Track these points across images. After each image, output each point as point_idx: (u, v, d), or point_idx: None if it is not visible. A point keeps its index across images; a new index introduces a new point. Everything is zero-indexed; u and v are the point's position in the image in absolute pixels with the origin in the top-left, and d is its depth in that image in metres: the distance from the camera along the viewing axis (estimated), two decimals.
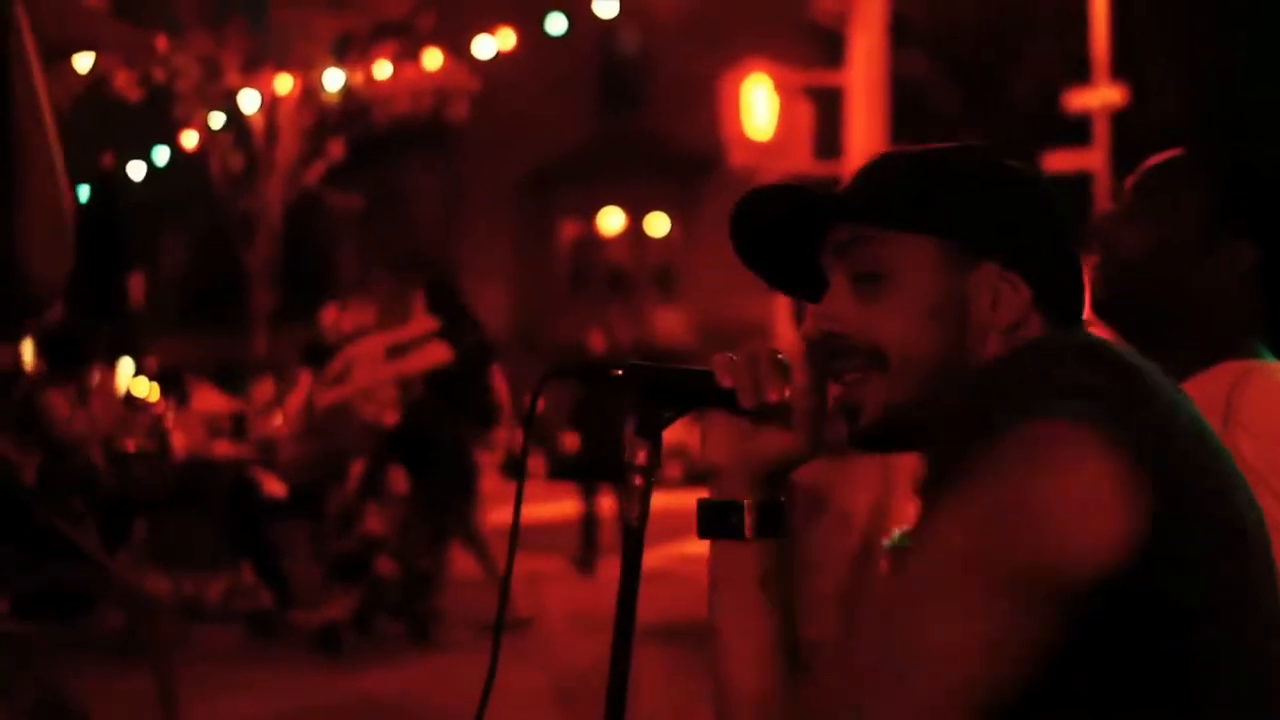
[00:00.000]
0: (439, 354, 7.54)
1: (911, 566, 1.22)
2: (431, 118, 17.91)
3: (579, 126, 28.47)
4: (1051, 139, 16.70)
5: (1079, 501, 1.13)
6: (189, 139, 16.72)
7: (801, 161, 11.23)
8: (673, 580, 8.10)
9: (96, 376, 7.44)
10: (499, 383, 8.00)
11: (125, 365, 11.54)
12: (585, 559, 10.44)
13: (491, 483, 8.65)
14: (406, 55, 16.26)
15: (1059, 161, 16.35)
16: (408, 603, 7.68)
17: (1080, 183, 16.05)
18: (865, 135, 10.06)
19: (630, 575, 1.35)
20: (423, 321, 7.69)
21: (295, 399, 8.54)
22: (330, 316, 9.80)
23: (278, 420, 8.85)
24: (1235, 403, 1.75)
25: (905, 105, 12.36)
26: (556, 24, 11.71)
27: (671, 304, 27.94)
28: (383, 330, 8.28)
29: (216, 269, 23.87)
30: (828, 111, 10.83)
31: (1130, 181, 1.98)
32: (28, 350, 7.38)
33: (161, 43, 15.14)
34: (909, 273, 1.35)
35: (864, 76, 10.18)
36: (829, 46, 12.74)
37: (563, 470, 11.29)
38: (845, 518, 7.23)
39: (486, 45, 12.35)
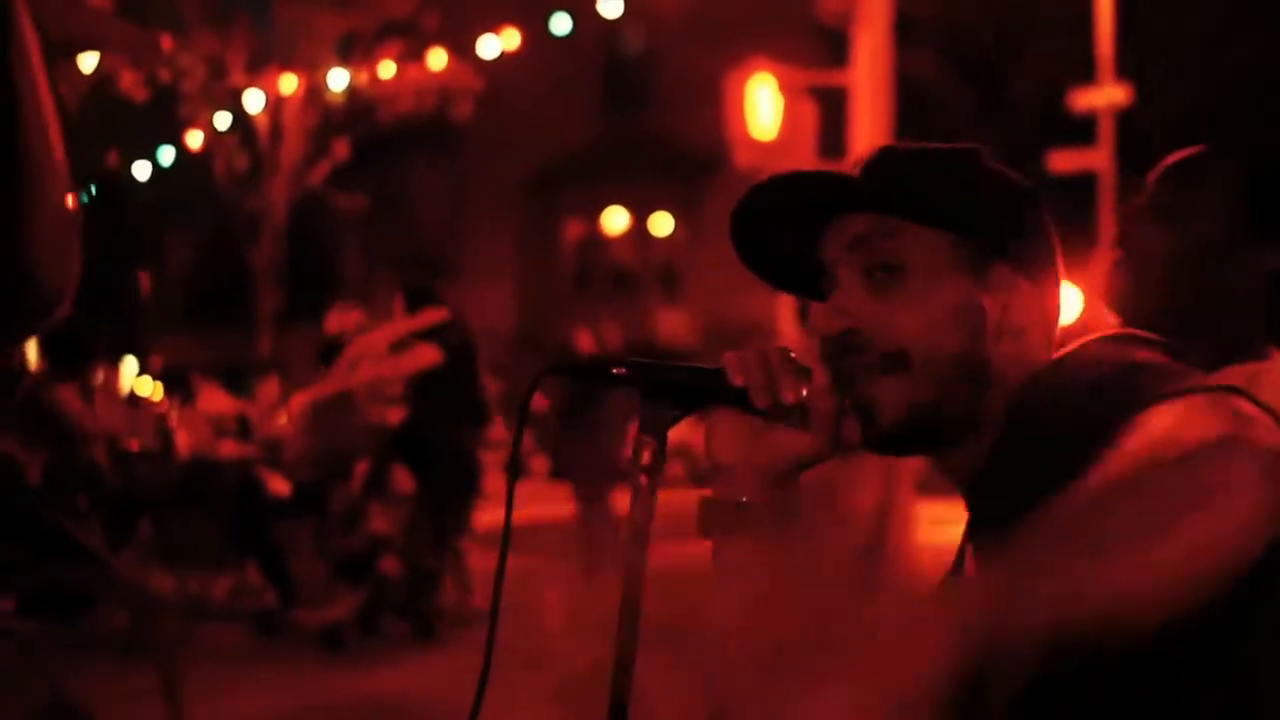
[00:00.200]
0: (429, 355, 7.55)
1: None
2: (436, 117, 17.93)
3: (583, 126, 28.48)
4: (1056, 138, 16.70)
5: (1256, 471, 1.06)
6: (194, 139, 16.74)
7: (806, 161, 11.21)
8: (678, 579, 8.10)
9: (100, 376, 7.45)
10: (488, 381, 8.03)
11: (130, 364, 11.54)
12: (588, 559, 10.44)
13: (495, 482, 8.64)
14: (411, 55, 16.27)
15: (1064, 161, 16.33)
16: (412, 602, 7.68)
17: (1085, 182, 16.06)
18: (870, 135, 10.04)
19: (634, 576, 1.33)
20: (430, 314, 7.71)
21: (300, 395, 8.55)
22: (335, 318, 9.82)
23: (282, 419, 8.86)
24: None
25: (910, 105, 12.35)
26: (561, 24, 11.72)
27: (675, 304, 27.93)
28: (383, 325, 8.27)
29: (221, 269, 23.90)
30: (832, 111, 10.82)
31: (1152, 178, 1.96)
32: (31, 349, 7.38)
33: (167, 42, 15.15)
34: (927, 268, 1.34)
35: (868, 76, 10.16)
36: (833, 46, 12.73)
37: (560, 470, 11.27)
38: (850, 517, 7.25)
39: (491, 45, 12.35)
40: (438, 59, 15.00)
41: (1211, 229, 1.88)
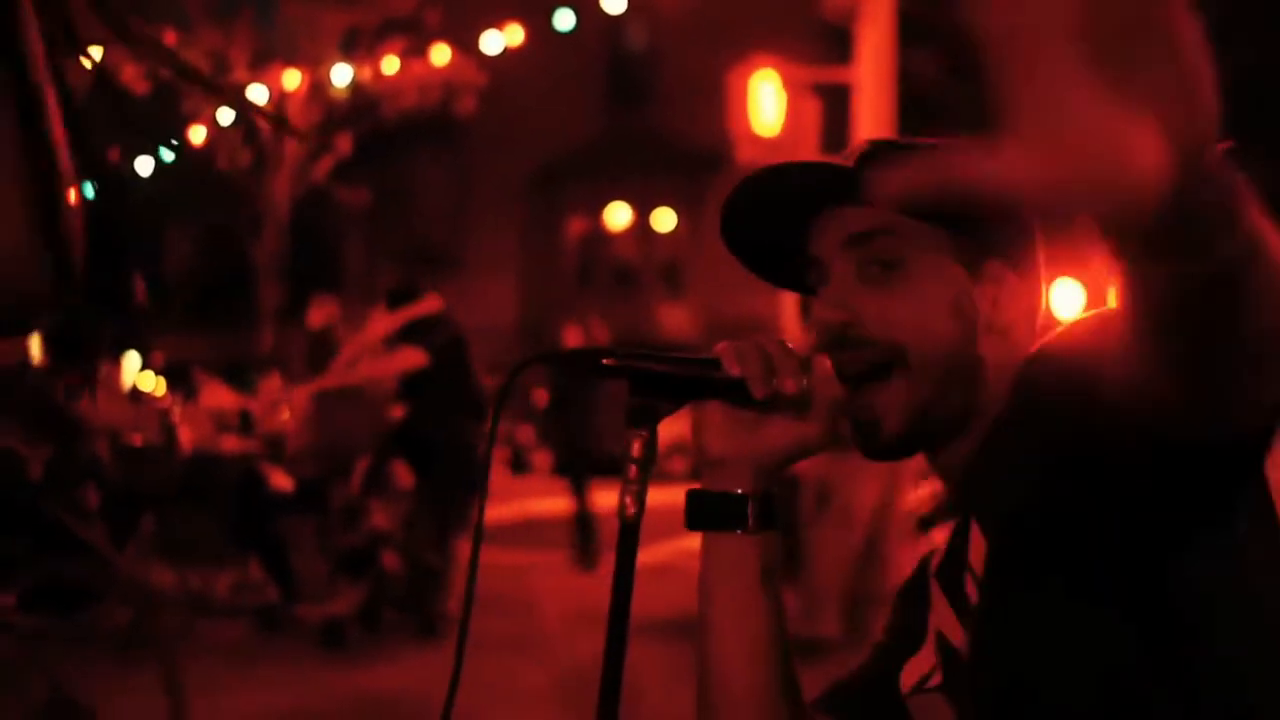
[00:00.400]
0: (413, 358, 7.58)
1: None
2: (439, 113, 17.92)
3: (586, 122, 28.48)
4: None
5: None
6: (197, 134, 16.73)
7: (808, 158, 11.20)
8: (677, 575, 8.10)
9: (103, 371, 7.45)
10: (487, 377, 8.04)
11: (132, 360, 11.54)
12: (584, 554, 10.47)
13: (497, 478, 8.64)
14: (414, 51, 16.24)
15: None
16: (413, 598, 7.69)
17: None
18: (873, 132, 10.04)
19: (624, 570, 1.31)
20: (426, 303, 7.74)
21: (301, 390, 8.56)
22: (316, 313, 9.85)
23: (285, 415, 8.86)
24: None
25: (913, 102, 12.33)
26: (564, 19, 11.69)
27: (678, 300, 27.93)
28: (371, 322, 8.29)
29: (224, 264, 23.90)
30: (835, 108, 10.82)
31: None
32: (34, 344, 7.38)
33: (170, 38, 15.17)
34: (925, 263, 1.33)
35: (872, 73, 10.16)
36: (837, 43, 12.72)
37: (561, 465, 11.31)
38: (849, 513, 7.25)
39: (494, 41, 12.32)
40: (441, 54, 14.95)
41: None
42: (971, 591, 1.32)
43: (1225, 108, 0.76)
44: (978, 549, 1.30)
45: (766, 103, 10.36)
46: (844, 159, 1.38)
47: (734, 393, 1.33)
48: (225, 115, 16.40)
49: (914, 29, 11.52)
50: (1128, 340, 0.93)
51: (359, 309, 9.91)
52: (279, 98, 17.17)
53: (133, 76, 15.14)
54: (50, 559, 4.70)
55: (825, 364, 1.33)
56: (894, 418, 1.33)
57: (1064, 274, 5.68)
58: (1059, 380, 1.14)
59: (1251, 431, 1.01)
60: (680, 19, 24.27)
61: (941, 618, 1.39)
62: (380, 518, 7.70)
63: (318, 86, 17.13)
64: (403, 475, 7.77)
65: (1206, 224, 0.81)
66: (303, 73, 16.62)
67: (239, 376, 11.25)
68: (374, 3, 17.96)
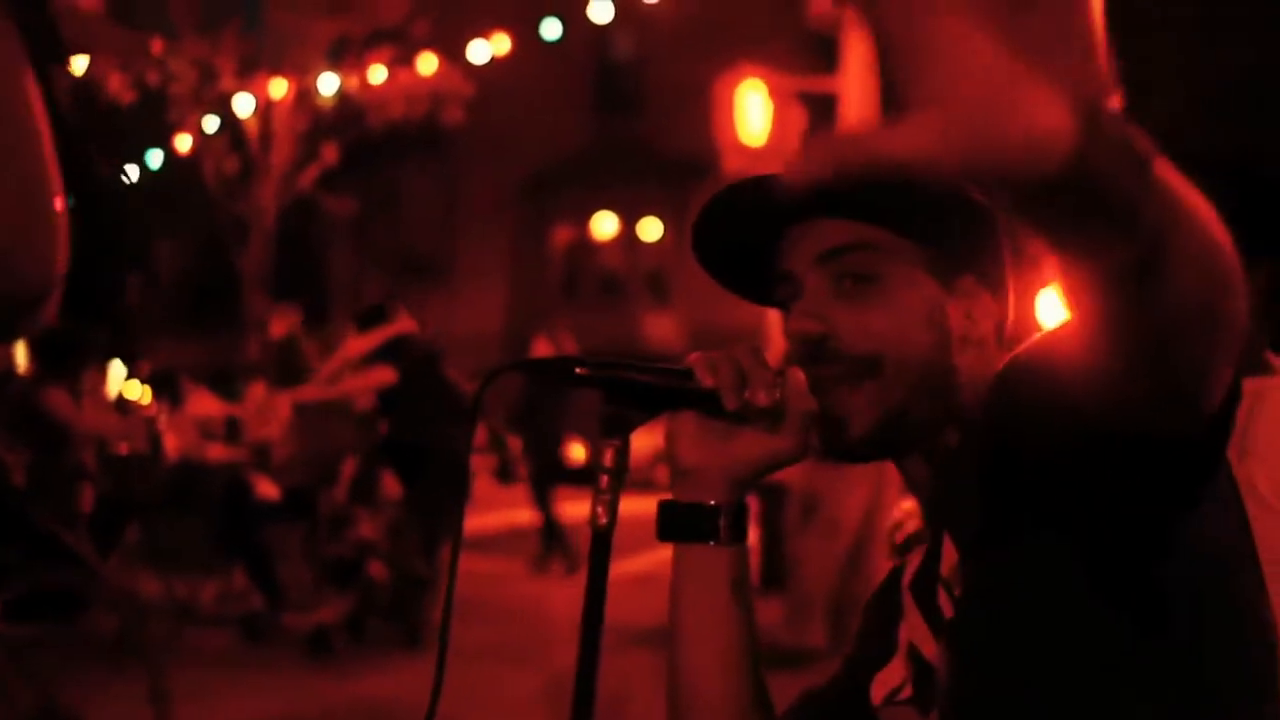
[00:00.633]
0: (383, 375, 7.61)
1: None
2: (426, 122, 17.91)
3: (573, 131, 28.45)
4: None
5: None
6: (183, 143, 16.71)
7: None
8: (660, 584, 8.10)
9: (89, 379, 7.44)
10: (470, 386, 8.06)
11: (118, 368, 11.50)
12: (544, 562, 10.58)
13: (484, 487, 8.64)
14: (401, 60, 16.25)
15: None
16: (400, 607, 7.68)
17: None
18: None
19: (597, 580, 1.30)
20: (403, 322, 7.76)
21: (284, 399, 8.56)
22: (278, 323, 9.88)
23: (271, 424, 8.85)
24: (1250, 431, 1.64)
25: (898, 111, 12.36)
26: (551, 29, 11.70)
27: (664, 309, 27.91)
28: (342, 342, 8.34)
29: (210, 272, 23.83)
30: (821, 117, 10.83)
31: None
32: (20, 352, 7.37)
33: (156, 46, 15.15)
34: (900, 278, 1.33)
35: (857, 83, 10.18)
36: (823, 52, 12.74)
37: (561, 475, 11.35)
38: (835, 523, 7.26)
39: (481, 50, 12.33)
40: (428, 64, 14.96)
41: None
42: (945, 604, 1.32)
43: (1225, 108, 0.78)
44: (950, 561, 1.30)
45: (753, 112, 10.38)
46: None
47: (706, 403, 1.32)
48: (211, 123, 16.41)
49: None
50: (1083, 342, 0.94)
51: (345, 319, 9.92)
52: (265, 106, 17.18)
53: (119, 86, 15.14)
54: (36, 567, 4.69)
55: (799, 376, 1.33)
56: (861, 420, 1.33)
57: (1049, 284, 5.69)
58: (1029, 388, 1.15)
59: (1215, 411, 1.01)
60: (667, 29, 24.29)
61: (914, 629, 1.39)
62: (367, 527, 7.70)
63: (305, 95, 17.13)
64: (390, 484, 7.77)
65: (1118, 180, 0.80)
66: (290, 81, 16.61)
67: (225, 385, 11.23)
68: (361, 12, 17.96)
